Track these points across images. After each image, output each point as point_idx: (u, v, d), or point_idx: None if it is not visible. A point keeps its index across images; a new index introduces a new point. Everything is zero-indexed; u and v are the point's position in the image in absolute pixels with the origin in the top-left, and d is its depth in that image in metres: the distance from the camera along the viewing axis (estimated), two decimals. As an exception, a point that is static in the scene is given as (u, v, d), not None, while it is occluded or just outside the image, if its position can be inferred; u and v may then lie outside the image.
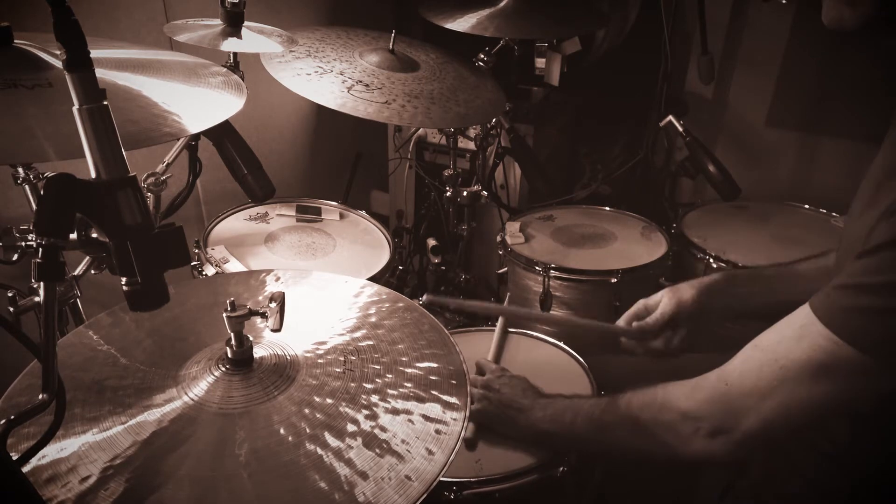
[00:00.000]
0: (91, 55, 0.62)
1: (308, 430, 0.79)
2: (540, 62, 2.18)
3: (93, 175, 0.66)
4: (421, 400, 0.84)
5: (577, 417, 1.08)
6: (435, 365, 0.90)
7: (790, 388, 0.85)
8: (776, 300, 1.14)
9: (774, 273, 1.28)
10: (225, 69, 1.20)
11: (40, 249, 0.63)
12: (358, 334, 0.97)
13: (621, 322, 1.29)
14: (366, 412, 0.82)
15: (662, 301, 1.25)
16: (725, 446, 0.92)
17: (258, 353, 0.90)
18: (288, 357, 0.91)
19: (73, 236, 0.68)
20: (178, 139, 1.37)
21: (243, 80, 1.27)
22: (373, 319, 1.00)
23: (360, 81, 1.51)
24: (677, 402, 0.96)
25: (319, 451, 0.76)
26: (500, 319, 1.47)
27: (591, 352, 1.37)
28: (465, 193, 1.95)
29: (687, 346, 1.25)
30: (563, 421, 1.09)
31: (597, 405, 1.07)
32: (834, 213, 1.97)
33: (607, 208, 2.06)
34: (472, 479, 1.06)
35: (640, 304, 1.29)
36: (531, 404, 1.13)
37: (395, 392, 0.85)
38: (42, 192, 0.64)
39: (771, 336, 0.90)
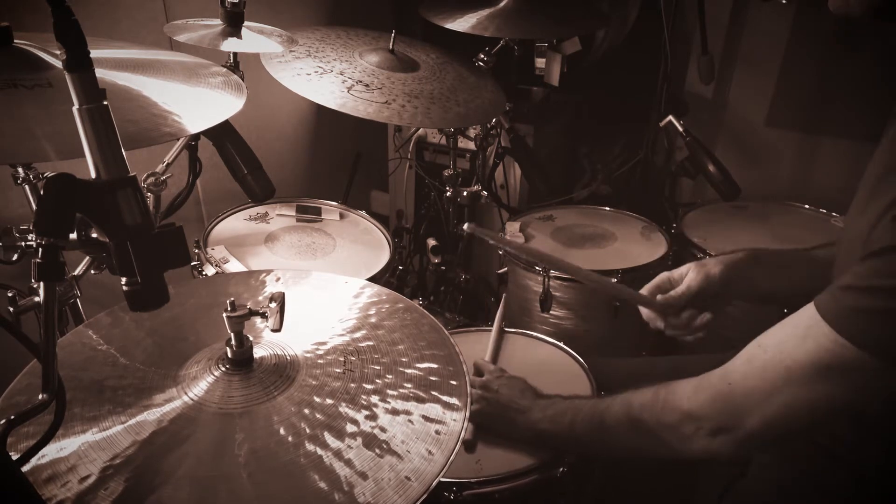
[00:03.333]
0: (91, 55, 0.62)
1: (308, 431, 0.79)
2: (540, 62, 2.18)
3: (93, 175, 0.66)
4: (421, 400, 0.84)
5: (576, 418, 1.07)
6: (435, 365, 0.90)
7: (794, 389, 0.84)
8: (796, 286, 1.13)
9: (794, 258, 1.24)
10: (225, 69, 1.20)
11: (40, 249, 0.63)
12: (358, 335, 0.97)
13: (644, 292, 1.23)
14: (366, 412, 0.82)
15: (689, 275, 1.19)
16: (727, 445, 0.92)
17: (258, 353, 0.90)
18: (288, 357, 0.91)
19: (73, 236, 0.67)
20: (178, 139, 1.37)
21: (243, 80, 1.27)
22: (373, 320, 1.00)
23: (360, 81, 1.51)
24: (679, 403, 0.96)
25: (319, 451, 0.76)
26: (497, 320, 1.46)
27: (591, 352, 1.37)
28: (465, 193, 1.95)
29: (707, 329, 1.18)
30: (562, 422, 1.09)
31: (597, 406, 1.07)
32: (834, 213, 1.97)
33: (607, 208, 2.06)
34: (471, 480, 1.06)
35: (663, 276, 1.23)
36: (530, 405, 1.13)
37: (394, 392, 0.85)
38: (42, 192, 0.64)
39: (775, 335, 0.89)
